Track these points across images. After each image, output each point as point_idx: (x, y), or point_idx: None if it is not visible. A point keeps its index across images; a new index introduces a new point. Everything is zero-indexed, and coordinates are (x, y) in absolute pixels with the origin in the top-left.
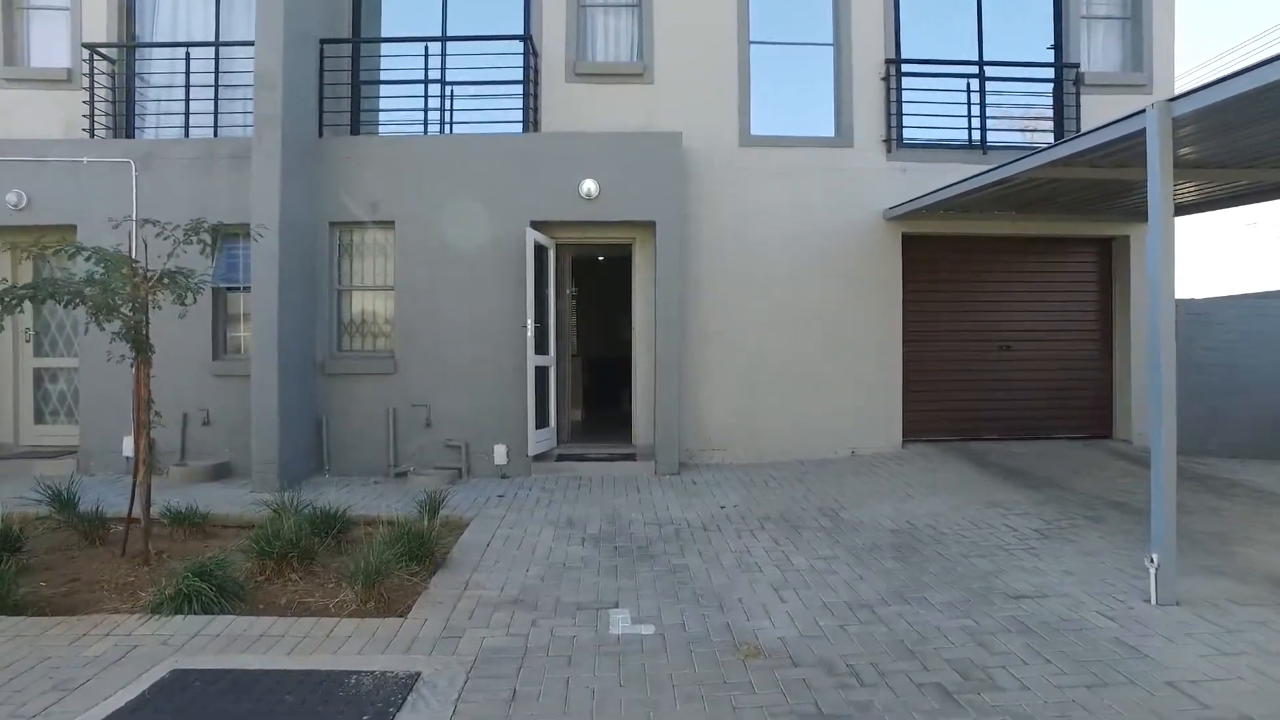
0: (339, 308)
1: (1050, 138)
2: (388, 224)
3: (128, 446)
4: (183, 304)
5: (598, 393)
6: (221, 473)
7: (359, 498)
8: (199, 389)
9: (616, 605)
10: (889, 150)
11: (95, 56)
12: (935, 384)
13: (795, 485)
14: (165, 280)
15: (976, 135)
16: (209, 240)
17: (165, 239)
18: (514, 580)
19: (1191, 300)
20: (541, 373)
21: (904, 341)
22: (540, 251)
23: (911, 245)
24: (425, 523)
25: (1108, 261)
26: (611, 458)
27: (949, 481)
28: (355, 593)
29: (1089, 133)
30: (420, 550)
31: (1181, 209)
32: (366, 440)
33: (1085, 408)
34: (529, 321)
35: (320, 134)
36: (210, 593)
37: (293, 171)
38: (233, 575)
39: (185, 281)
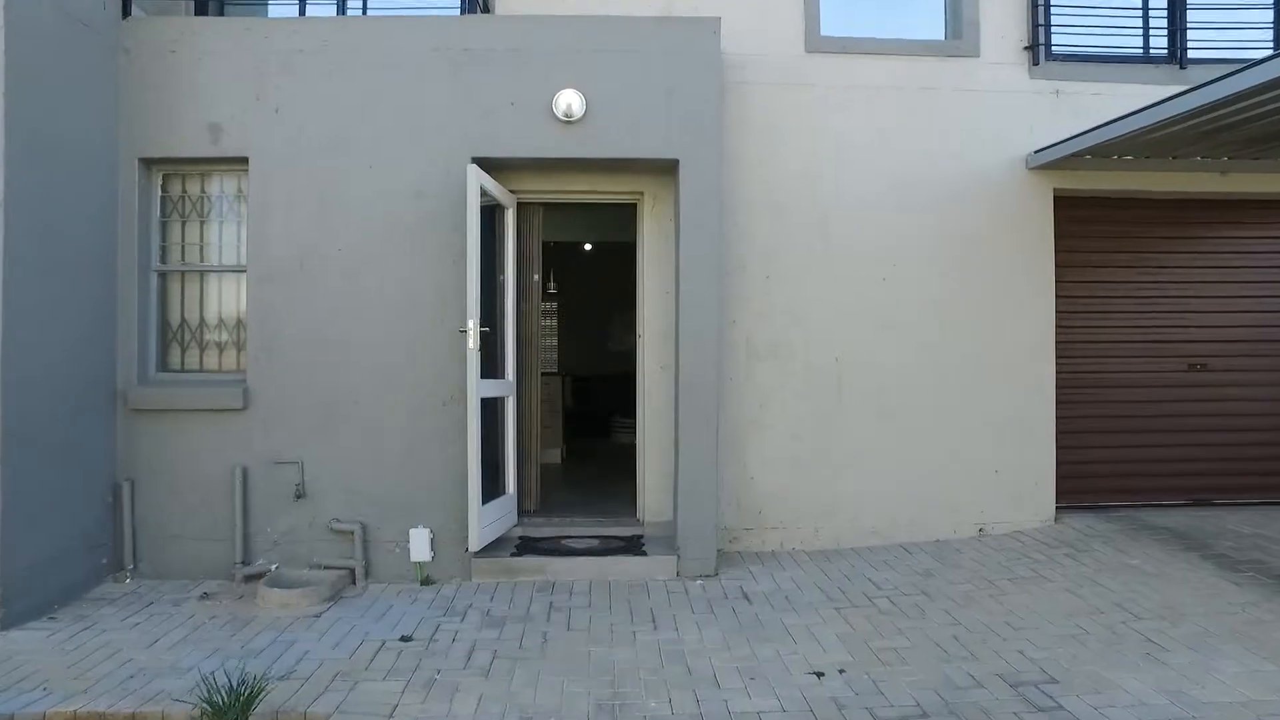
0: (162, 301)
1: (1271, 47)
2: (238, 163)
3: None
4: None
5: (586, 423)
6: None
7: (147, 643)
8: None
9: None
10: (1033, 62)
11: None
12: (1098, 420)
13: (924, 607)
14: None
15: (1162, 41)
16: None
17: None
18: None
19: None
20: (492, 407)
21: (1056, 357)
22: (492, 214)
23: (1068, 209)
24: None
25: None
26: (606, 547)
27: (1197, 602)
28: None
29: None
30: None
31: None
32: (199, 520)
33: None
34: (470, 324)
35: (126, 11)
36: None
37: (50, 60)
38: None
39: None
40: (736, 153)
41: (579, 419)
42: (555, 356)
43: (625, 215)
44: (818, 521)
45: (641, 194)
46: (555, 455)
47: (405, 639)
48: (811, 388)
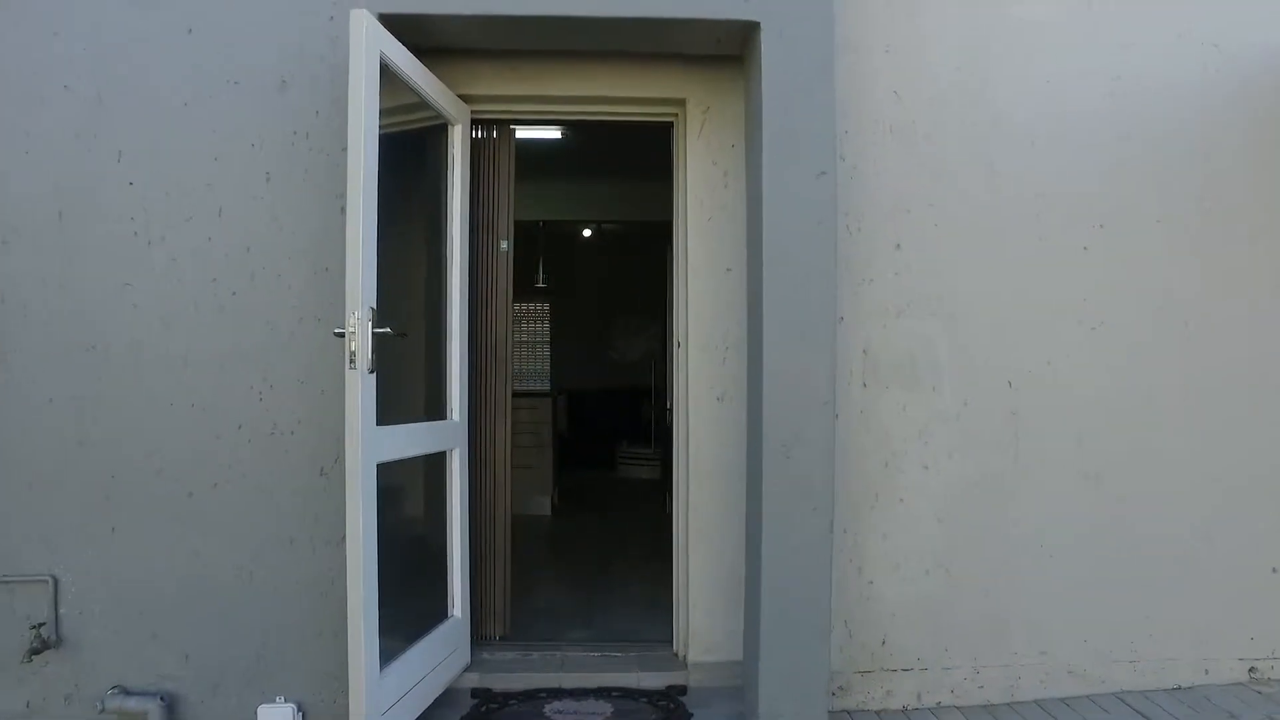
0: None
1: None
2: None
3: None
4: None
5: (585, 452)
6: None
7: None
8: None
9: None
10: None
11: None
12: None
13: None
14: None
15: None
16: None
17: None
18: None
19: None
20: (422, 473)
21: None
22: (425, 138)
23: None
24: None
25: None
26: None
27: None
28: None
29: None
30: None
31: None
32: None
33: None
34: (352, 318)
35: None
36: None
37: None
38: None
39: None
40: (846, 38)
41: (576, 446)
42: (547, 368)
43: (653, 135)
44: (979, 656)
45: (683, 104)
46: (544, 505)
47: None
48: (970, 433)
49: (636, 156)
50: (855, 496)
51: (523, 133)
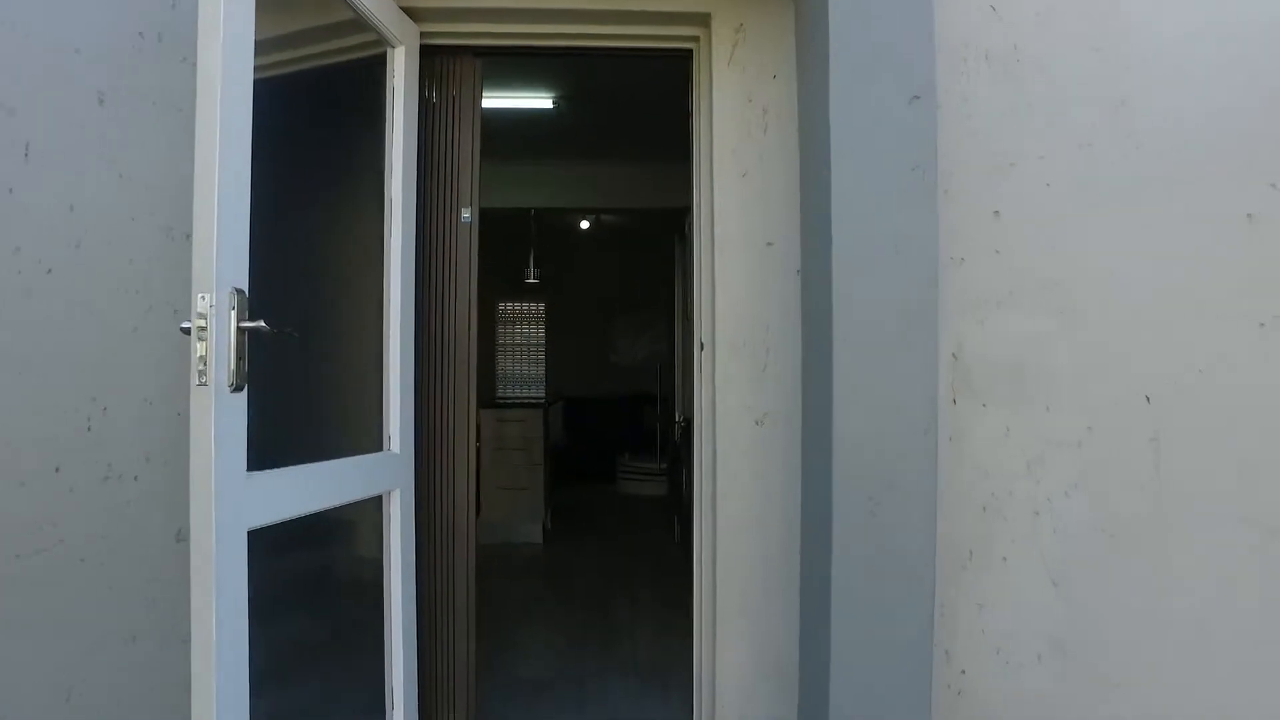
0: None
1: None
2: None
3: None
4: None
5: (583, 464)
6: None
7: None
8: None
9: None
10: None
11: None
12: None
13: None
14: None
15: None
16: None
17: None
18: None
19: None
20: (307, 521)
21: None
22: (352, 71)
23: None
24: None
25: None
26: None
27: None
28: None
29: None
30: None
31: None
32: None
33: None
34: (203, 303)
35: None
36: None
37: None
38: None
39: None
40: None
41: (573, 458)
42: (542, 374)
43: (656, 154)
44: None
45: (706, 21)
46: (535, 532)
47: None
48: (1096, 465)
49: (641, 131)
50: (942, 552)
51: (510, 103)
